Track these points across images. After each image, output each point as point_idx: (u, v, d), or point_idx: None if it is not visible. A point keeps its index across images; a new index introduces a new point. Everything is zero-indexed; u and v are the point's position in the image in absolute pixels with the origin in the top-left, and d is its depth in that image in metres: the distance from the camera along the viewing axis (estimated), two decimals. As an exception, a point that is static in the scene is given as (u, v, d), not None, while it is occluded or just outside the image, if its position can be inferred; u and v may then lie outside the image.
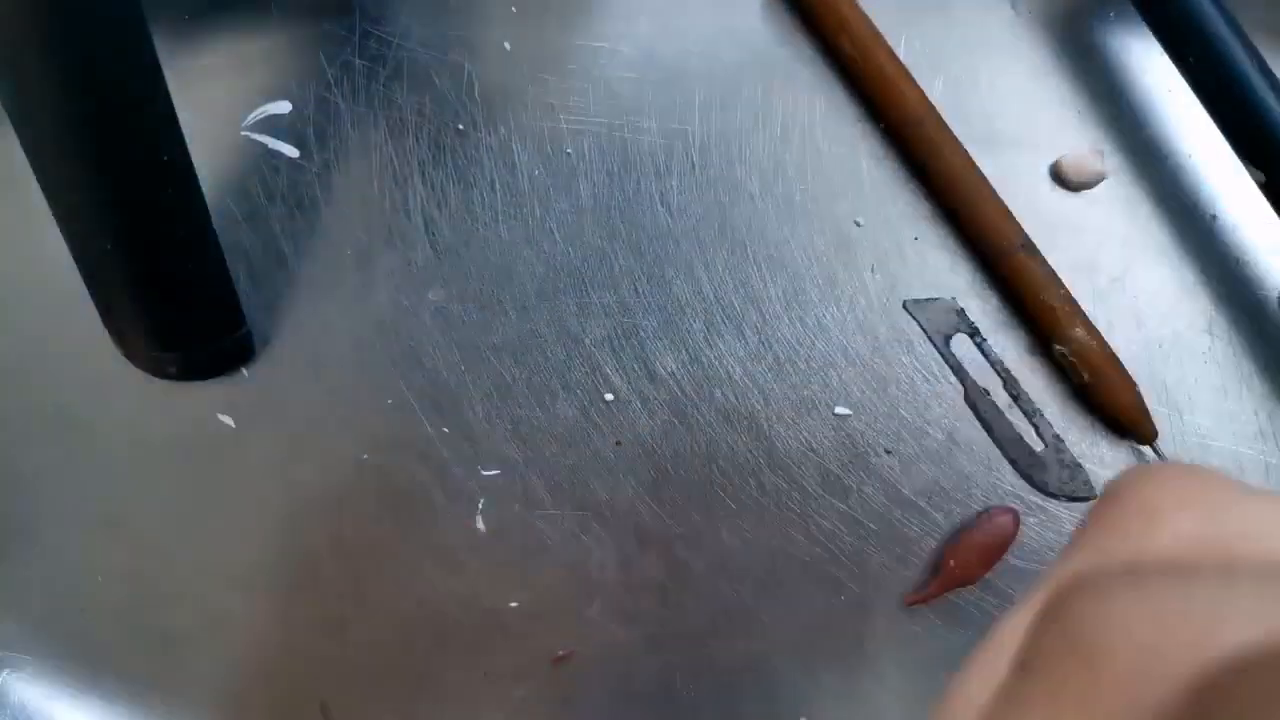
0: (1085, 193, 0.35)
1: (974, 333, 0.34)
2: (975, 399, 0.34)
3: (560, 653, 0.33)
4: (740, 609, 0.33)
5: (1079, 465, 0.34)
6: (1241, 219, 0.35)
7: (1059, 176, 0.34)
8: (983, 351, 0.34)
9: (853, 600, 0.33)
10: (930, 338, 0.34)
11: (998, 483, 0.34)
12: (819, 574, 0.33)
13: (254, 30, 0.34)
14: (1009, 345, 0.34)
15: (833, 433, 0.34)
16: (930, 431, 0.34)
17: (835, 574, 0.33)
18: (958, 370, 0.34)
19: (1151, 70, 0.35)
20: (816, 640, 0.33)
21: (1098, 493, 0.34)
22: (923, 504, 0.34)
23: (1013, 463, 0.34)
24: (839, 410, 0.34)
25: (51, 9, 0.25)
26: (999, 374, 0.34)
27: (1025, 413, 0.34)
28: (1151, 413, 0.33)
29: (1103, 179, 0.34)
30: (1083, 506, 0.34)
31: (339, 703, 0.33)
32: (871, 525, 0.34)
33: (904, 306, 0.34)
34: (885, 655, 0.33)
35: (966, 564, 0.32)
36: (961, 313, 0.34)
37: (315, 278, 0.34)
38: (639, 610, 0.33)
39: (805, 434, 0.34)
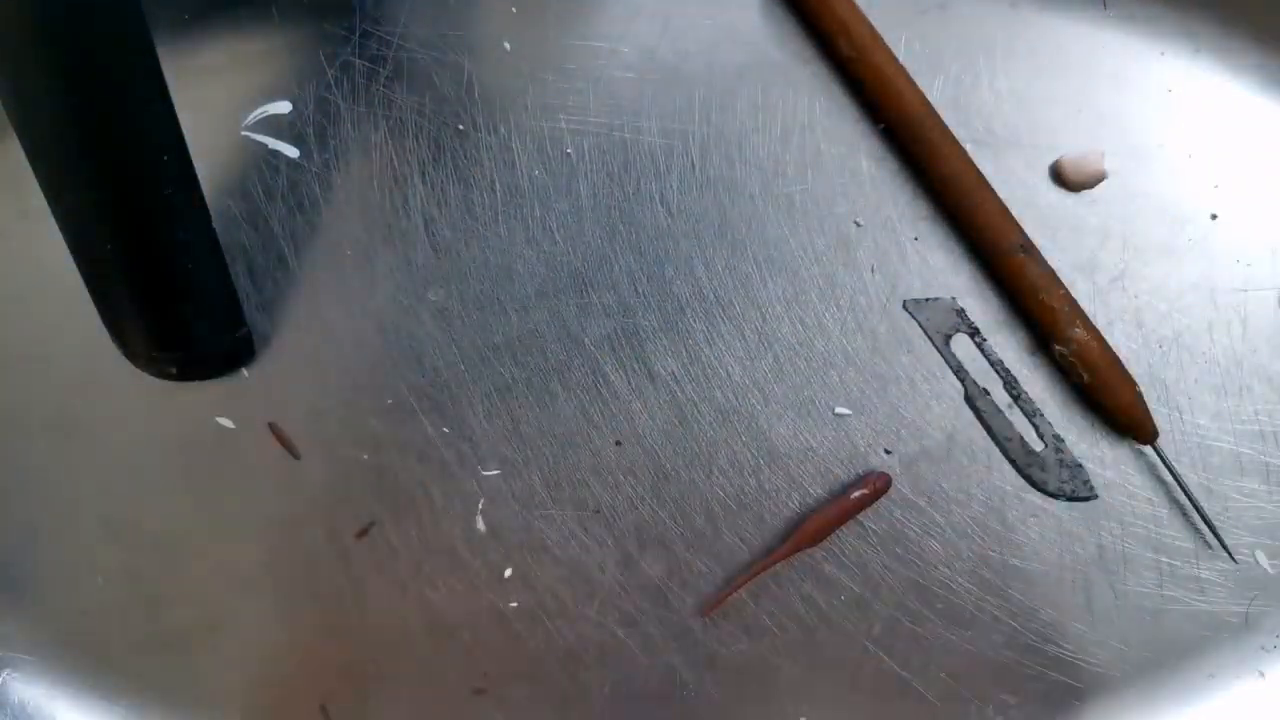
0: (1085, 193, 0.35)
1: (974, 332, 0.34)
2: (975, 398, 0.34)
3: (559, 653, 0.33)
4: (740, 609, 0.33)
5: (1079, 465, 0.34)
6: (1241, 219, 0.35)
7: (1059, 176, 0.34)
8: (983, 351, 0.34)
9: (852, 600, 0.33)
10: (930, 337, 0.34)
11: (998, 483, 0.34)
12: (819, 574, 0.33)
13: (254, 30, 0.34)
14: (1009, 345, 0.34)
15: (833, 433, 0.34)
16: (930, 431, 0.34)
17: (835, 574, 0.33)
18: (958, 370, 0.34)
19: (1151, 70, 0.35)
20: (817, 640, 0.33)
21: (1098, 493, 0.34)
22: (922, 504, 0.34)
23: (1012, 462, 0.34)
24: (839, 410, 0.34)
25: (52, 9, 0.25)
26: (999, 374, 0.34)
27: (1025, 412, 0.34)
28: (1152, 413, 0.33)
29: (1103, 179, 0.34)
30: (1083, 506, 0.34)
31: (339, 703, 0.33)
32: (871, 525, 0.34)
33: (904, 306, 0.34)
34: (885, 654, 0.33)
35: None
36: (961, 312, 0.34)
37: (315, 278, 0.34)
38: (639, 610, 0.33)
39: (805, 434, 0.34)
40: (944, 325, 0.34)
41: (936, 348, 0.34)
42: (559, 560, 0.33)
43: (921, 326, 0.34)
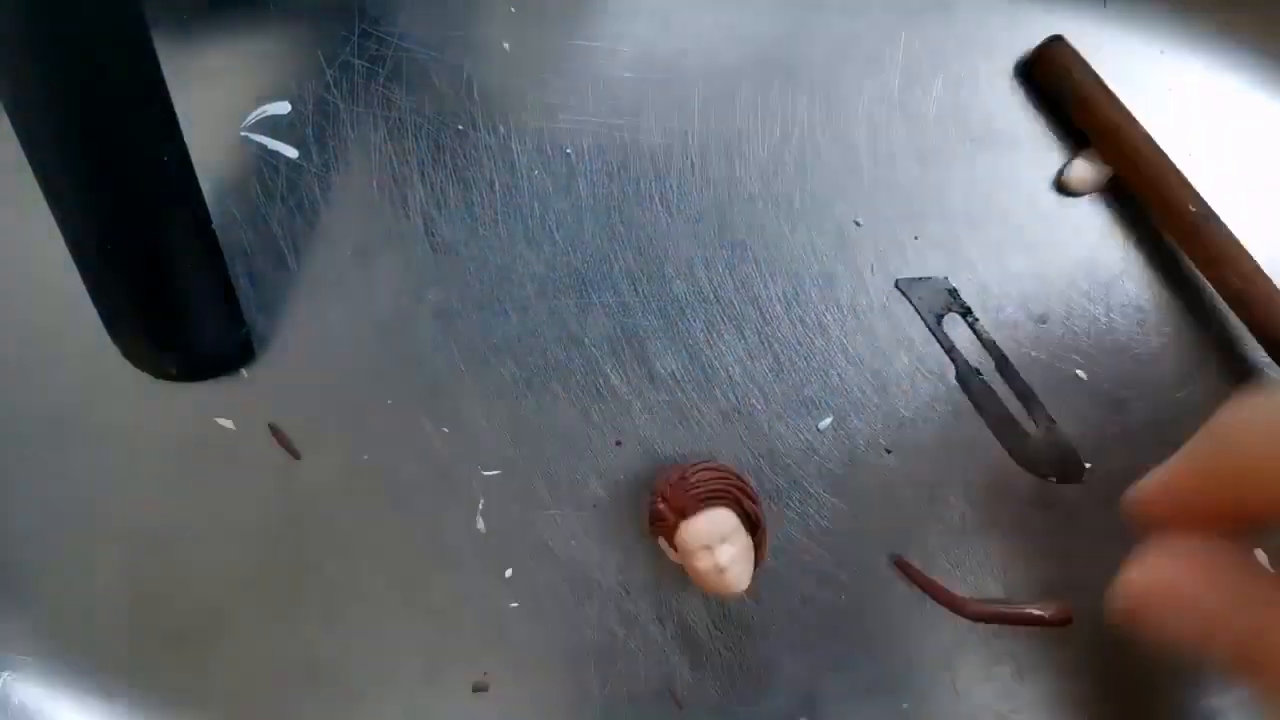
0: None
1: (966, 312, 0.34)
2: (966, 379, 0.34)
3: (559, 653, 0.33)
4: (740, 609, 0.33)
5: (1070, 447, 0.34)
6: (1241, 217, 0.35)
7: (1064, 187, 0.34)
8: (975, 331, 0.34)
9: (853, 600, 0.33)
10: (922, 317, 0.34)
11: (998, 481, 0.34)
12: (819, 574, 0.33)
13: (254, 30, 0.34)
14: (1002, 326, 0.34)
15: (833, 433, 0.34)
16: (930, 431, 0.34)
17: (835, 574, 0.33)
18: (949, 350, 0.34)
19: (1151, 69, 0.35)
20: (817, 640, 0.33)
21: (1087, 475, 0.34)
22: (923, 503, 0.34)
23: (1004, 444, 0.34)
24: (837, 412, 0.34)
25: (51, 9, 0.25)
26: (991, 355, 0.34)
27: (1017, 393, 0.34)
28: (1153, 411, 0.33)
29: (1109, 178, 0.34)
30: (1079, 488, 0.34)
31: (339, 702, 0.33)
32: (871, 525, 0.34)
33: (896, 285, 0.34)
34: (886, 655, 0.33)
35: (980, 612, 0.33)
36: (954, 292, 0.34)
37: (315, 278, 0.34)
38: (639, 610, 0.33)
39: (805, 434, 0.34)
40: (936, 304, 0.34)
41: (928, 327, 0.34)
42: (559, 560, 0.33)
43: (913, 305, 0.34)
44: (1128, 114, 0.33)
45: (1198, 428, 0.26)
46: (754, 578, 0.31)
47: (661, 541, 0.31)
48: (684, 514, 0.30)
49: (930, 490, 0.34)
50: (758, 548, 0.31)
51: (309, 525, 0.33)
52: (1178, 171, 0.33)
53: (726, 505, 0.30)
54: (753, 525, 0.31)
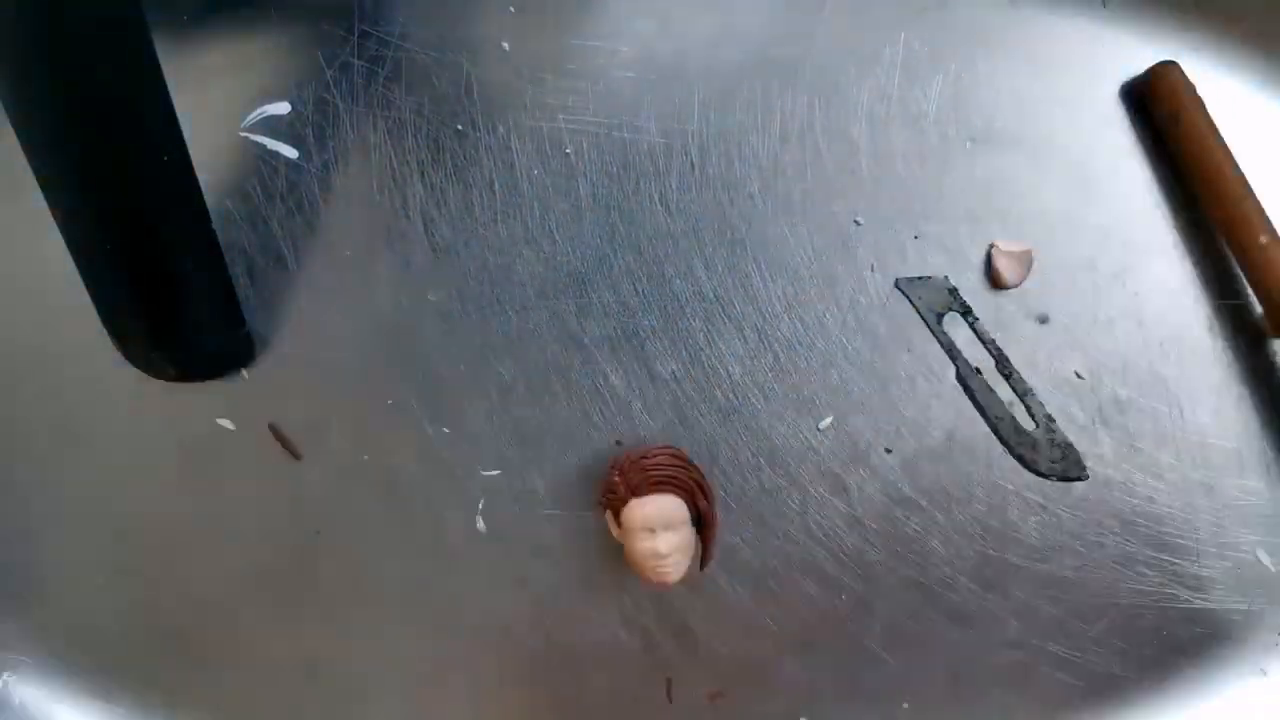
0: (1085, 189, 0.35)
1: (966, 311, 0.34)
2: (967, 377, 0.34)
3: (559, 653, 0.33)
4: (740, 609, 0.33)
5: (1070, 445, 0.34)
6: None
7: (996, 281, 0.34)
8: (974, 330, 0.34)
9: (853, 600, 0.33)
10: (923, 316, 0.34)
11: (998, 481, 0.34)
12: (818, 574, 0.33)
13: (254, 30, 0.34)
14: (1002, 326, 0.34)
15: (833, 432, 0.34)
16: (930, 430, 0.34)
17: (835, 574, 0.33)
18: (949, 349, 0.34)
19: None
20: (817, 640, 0.33)
21: (1088, 473, 0.34)
22: (923, 503, 0.34)
23: (1004, 443, 0.34)
24: (837, 411, 0.34)
25: (52, 10, 0.25)
26: (991, 353, 0.34)
27: (1016, 392, 0.34)
28: (1152, 410, 0.33)
29: (1031, 266, 0.34)
30: (1084, 506, 0.34)
31: (339, 703, 0.33)
32: (871, 525, 0.33)
33: (896, 284, 0.34)
34: (886, 654, 0.33)
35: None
36: (954, 291, 0.34)
37: (315, 278, 0.34)
38: (639, 610, 0.33)
39: (805, 434, 0.34)
40: (936, 303, 0.34)
41: (928, 326, 0.34)
42: (559, 560, 0.33)
43: (914, 305, 0.34)
44: (1223, 146, 0.33)
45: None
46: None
47: (609, 516, 0.32)
48: (635, 492, 0.30)
49: (930, 489, 0.34)
50: (705, 546, 0.31)
51: (309, 525, 0.33)
52: (1256, 201, 0.33)
53: (679, 494, 0.30)
54: (702, 522, 0.31)
